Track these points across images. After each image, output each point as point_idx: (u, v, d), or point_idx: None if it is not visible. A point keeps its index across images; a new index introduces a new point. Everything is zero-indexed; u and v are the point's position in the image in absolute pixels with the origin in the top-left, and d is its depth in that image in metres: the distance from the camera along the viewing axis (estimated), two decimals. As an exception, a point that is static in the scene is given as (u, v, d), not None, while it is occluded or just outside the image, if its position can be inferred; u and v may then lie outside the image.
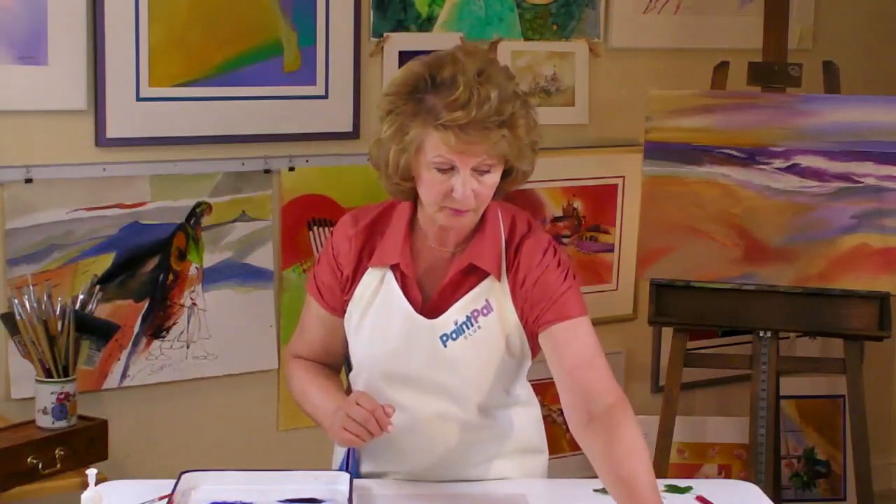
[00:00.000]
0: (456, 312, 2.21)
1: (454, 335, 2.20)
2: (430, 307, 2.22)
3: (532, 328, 2.22)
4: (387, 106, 2.14)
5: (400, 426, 2.14)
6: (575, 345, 2.17)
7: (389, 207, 2.28)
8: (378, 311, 2.23)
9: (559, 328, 2.18)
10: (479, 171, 2.10)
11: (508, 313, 2.22)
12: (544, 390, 2.59)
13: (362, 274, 2.25)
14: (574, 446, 3.98)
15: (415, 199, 2.23)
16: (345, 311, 2.28)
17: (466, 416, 2.26)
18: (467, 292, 2.21)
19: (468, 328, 2.21)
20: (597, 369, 2.15)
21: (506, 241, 2.24)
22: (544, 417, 3.14)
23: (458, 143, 2.05)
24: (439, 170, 2.09)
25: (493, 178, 2.12)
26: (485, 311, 2.21)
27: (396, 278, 2.22)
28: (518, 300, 2.22)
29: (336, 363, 2.39)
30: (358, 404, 2.10)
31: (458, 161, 2.07)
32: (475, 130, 2.05)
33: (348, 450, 2.31)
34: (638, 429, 2.06)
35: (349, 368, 2.38)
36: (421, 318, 2.21)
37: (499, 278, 2.21)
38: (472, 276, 2.22)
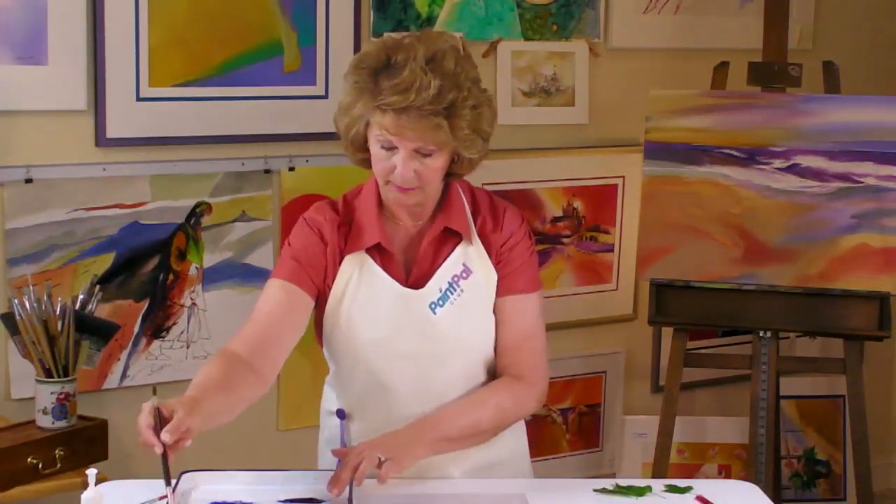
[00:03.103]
0: (438, 280, 2.26)
1: (441, 302, 2.26)
2: (413, 280, 2.27)
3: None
4: (349, 77, 2.20)
5: (407, 409, 2.23)
6: (518, 322, 2.30)
7: (349, 198, 2.32)
8: (366, 295, 2.25)
9: (509, 300, 2.29)
10: (421, 154, 2.16)
11: (489, 273, 2.29)
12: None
13: (341, 261, 2.26)
14: (574, 446, 3.99)
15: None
16: (317, 294, 2.26)
17: (472, 384, 2.30)
18: (445, 259, 2.27)
19: (452, 293, 2.26)
20: (530, 352, 2.30)
21: (471, 208, 2.31)
22: (543, 418, 3.15)
23: (394, 126, 2.12)
24: (383, 147, 2.16)
25: (437, 161, 2.18)
26: (464, 274, 2.27)
27: (375, 260, 2.26)
28: (496, 260, 2.30)
29: (266, 363, 2.18)
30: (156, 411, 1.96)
31: (397, 142, 2.14)
32: (411, 116, 2.11)
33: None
34: (509, 396, 2.26)
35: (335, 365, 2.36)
36: (409, 290, 2.25)
37: (471, 241, 2.28)
38: (446, 244, 2.28)
